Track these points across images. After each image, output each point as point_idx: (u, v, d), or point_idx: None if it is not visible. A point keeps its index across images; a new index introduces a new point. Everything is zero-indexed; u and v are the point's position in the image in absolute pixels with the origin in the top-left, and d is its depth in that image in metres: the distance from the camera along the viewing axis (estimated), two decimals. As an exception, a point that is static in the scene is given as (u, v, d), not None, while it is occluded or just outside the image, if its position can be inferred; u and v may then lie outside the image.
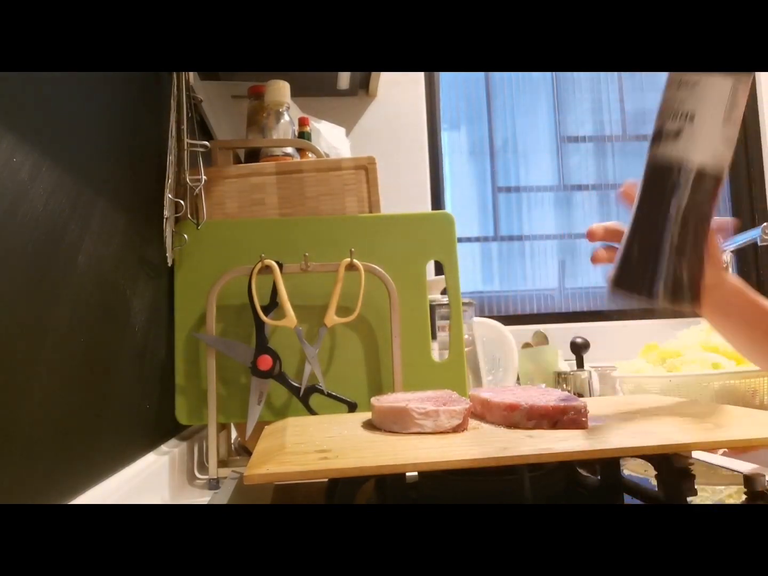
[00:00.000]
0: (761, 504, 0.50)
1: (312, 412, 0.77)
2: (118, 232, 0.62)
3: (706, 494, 0.59)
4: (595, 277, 2.05)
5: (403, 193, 1.74)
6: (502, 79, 2.12)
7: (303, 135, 0.98)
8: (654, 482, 0.52)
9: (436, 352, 0.95)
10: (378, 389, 0.81)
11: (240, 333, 0.81)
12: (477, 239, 2.12)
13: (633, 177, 0.61)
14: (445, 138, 2.03)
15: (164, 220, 0.75)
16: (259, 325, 0.76)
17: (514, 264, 2.09)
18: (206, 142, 0.80)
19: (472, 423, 0.55)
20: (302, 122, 0.99)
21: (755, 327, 0.69)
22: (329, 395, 0.77)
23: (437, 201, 1.93)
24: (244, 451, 0.89)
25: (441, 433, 0.51)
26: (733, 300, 0.69)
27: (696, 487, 0.50)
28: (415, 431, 0.51)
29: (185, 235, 0.80)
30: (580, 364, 1.28)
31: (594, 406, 0.62)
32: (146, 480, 0.62)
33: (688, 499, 0.49)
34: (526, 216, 2.12)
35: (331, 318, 0.77)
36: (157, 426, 0.74)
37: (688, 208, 0.50)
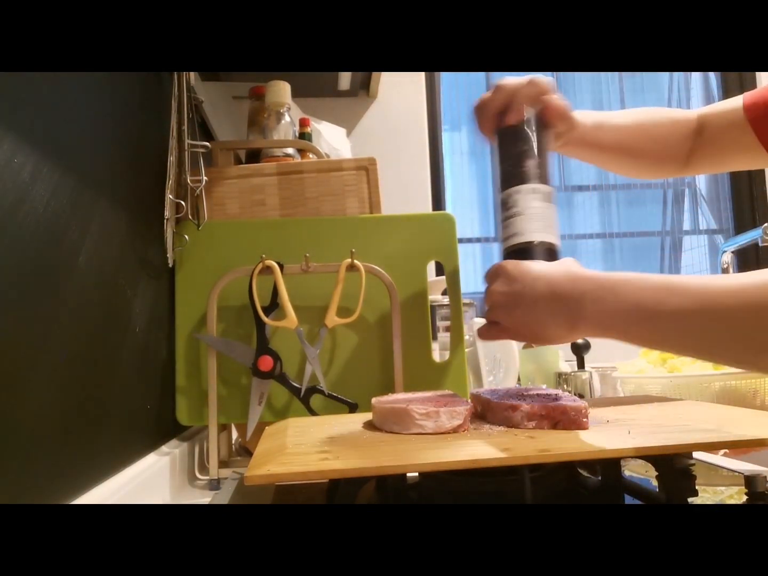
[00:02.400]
0: (761, 504, 0.50)
1: (313, 413, 0.77)
2: (119, 233, 0.62)
3: (707, 495, 0.59)
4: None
5: (403, 193, 1.74)
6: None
7: (304, 136, 0.99)
8: (655, 483, 0.52)
9: (436, 353, 0.95)
10: (379, 390, 0.81)
11: (241, 334, 0.81)
12: (478, 240, 2.12)
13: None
14: (446, 138, 2.03)
15: (165, 220, 0.75)
16: (260, 325, 0.76)
17: (514, 264, 2.08)
18: (207, 143, 0.80)
19: (473, 424, 0.55)
20: (303, 123, 1.00)
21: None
22: (330, 396, 0.77)
23: (438, 201, 1.93)
24: (245, 451, 0.89)
25: (442, 433, 0.51)
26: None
27: (697, 487, 0.50)
28: (416, 432, 0.51)
29: (186, 236, 0.80)
30: (580, 365, 1.28)
31: (594, 406, 0.62)
32: (147, 480, 0.62)
33: (689, 499, 0.49)
34: (526, 217, 2.11)
35: (332, 319, 0.77)
36: (158, 427, 0.74)
37: None
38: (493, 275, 0.60)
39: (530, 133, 0.63)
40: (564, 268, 0.57)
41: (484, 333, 0.61)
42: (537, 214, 0.59)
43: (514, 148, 0.62)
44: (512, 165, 0.62)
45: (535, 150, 0.62)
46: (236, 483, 0.71)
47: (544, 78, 0.65)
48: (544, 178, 0.61)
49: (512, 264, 0.58)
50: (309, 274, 0.79)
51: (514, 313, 0.57)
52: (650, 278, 0.52)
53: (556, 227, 0.60)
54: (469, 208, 2.11)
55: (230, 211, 0.86)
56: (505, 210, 0.62)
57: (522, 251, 0.60)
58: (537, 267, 0.57)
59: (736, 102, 0.73)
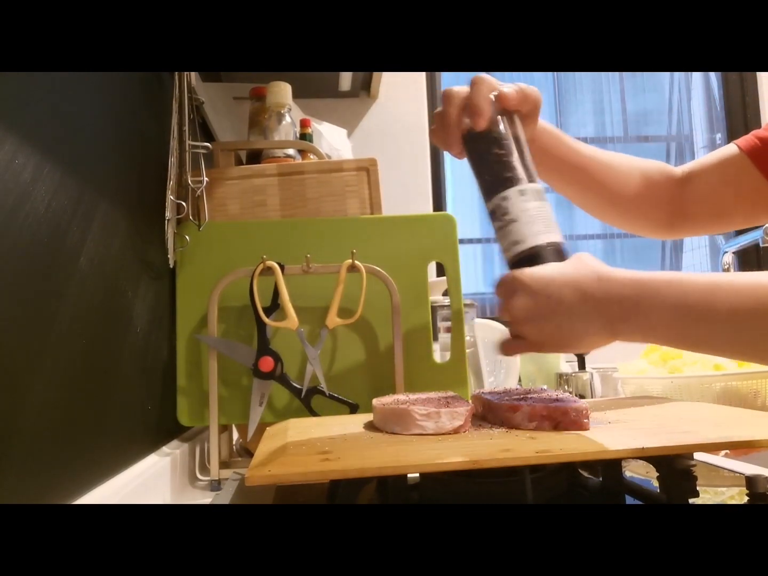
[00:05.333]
0: (762, 505, 0.49)
1: (313, 414, 0.76)
2: (120, 234, 0.62)
3: (708, 496, 0.59)
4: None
5: (404, 194, 1.74)
6: (503, 79, 2.12)
7: (304, 136, 0.99)
8: (656, 484, 0.52)
9: (437, 354, 0.95)
10: (379, 390, 0.81)
11: (242, 334, 0.81)
12: (479, 240, 2.12)
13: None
14: (447, 139, 2.03)
15: (166, 221, 0.75)
16: (261, 326, 0.76)
17: (515, 265, 2.08)
18: (208, 144, 0.80)
19: (474, 424, 0.55)
20: (304, 124, 1.00)
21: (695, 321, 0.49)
22: (331, 396, 0.77)
23: (439, 202, 1.93)
24: (246, 452, 0.89)
25: (442, 434, 0.51)
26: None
27: (698, 488, 0.50)
28: (417, 432, 0.51)
29: (187, 237, 0.80)
30: (581, 366, 1.27)
31: (595, 407, 0.62)
32: (148, 481, 0.62)
33: (690, 500, 0.49)
34: (527, 217, 2.11)
35: (333, 319, 0.77)
36: (159, 427, 0.74)
37: None
38: (508, 289, 0.54)
39: (500, 133, 0.58)
40: (588, 269, 0.53)
41: (509, 348, 0.57)
42: (533, 216, 0.55)
43: (487, 154, 0.58)
44: (490, 172, 0.58)
45: (511, 149, 0.57)
46: (237, 484, 0.71)
47: (485, 75, 0.61)
48: (529, 176, 0.57)
49: (528, 275, 0.53)
50: (310, 275, 0.79)
51: (543, 327, 0.53)
52: (693, 278, 0.50)
53: (555, 224, 0.57)
54: (469, 209, 2.11)
55: (231, 211, 0.86)
56: (497, 220, 0.57)
57: (529, 258, 0.55)
58: (556, 273, 0.53)
59: (726, 150, 0.73)
